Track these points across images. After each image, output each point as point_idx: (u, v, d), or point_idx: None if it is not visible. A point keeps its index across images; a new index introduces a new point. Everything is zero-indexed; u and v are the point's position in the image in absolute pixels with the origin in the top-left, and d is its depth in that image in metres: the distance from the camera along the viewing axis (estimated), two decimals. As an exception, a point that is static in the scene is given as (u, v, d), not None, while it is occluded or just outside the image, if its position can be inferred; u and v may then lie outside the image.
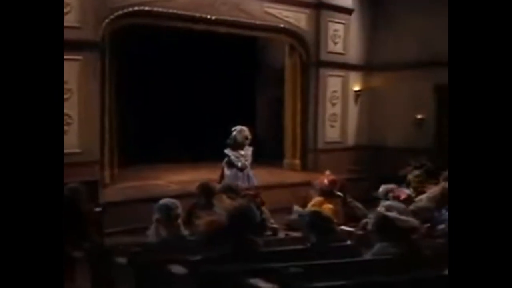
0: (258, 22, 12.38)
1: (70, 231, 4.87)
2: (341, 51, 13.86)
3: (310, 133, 13.66)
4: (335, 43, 13.74)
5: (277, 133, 14.46)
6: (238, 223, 4.25)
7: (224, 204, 6.20)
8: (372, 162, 13.77)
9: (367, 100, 14.55)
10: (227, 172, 10.20)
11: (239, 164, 10.23)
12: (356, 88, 14.34)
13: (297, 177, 12.77)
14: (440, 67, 10.21)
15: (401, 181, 8.90)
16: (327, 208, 7.03)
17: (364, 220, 6.13)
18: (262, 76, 15.97)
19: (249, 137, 10.44)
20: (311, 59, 13.50)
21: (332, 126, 13.89)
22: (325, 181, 8.13)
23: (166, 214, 5.32)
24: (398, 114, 14.06)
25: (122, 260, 4.41)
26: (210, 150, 12.80)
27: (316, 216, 4.78)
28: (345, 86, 14.03)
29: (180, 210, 5.45)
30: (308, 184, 9.84)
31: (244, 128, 10.43)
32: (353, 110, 14.40)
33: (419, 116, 13.70)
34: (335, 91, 13.85)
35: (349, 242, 4.97)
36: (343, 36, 13.81)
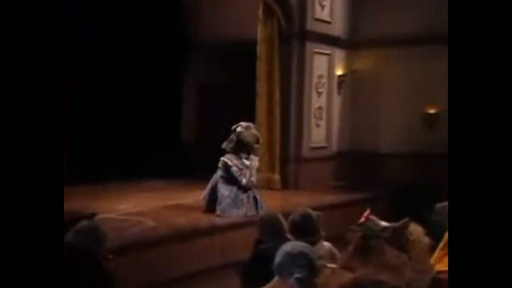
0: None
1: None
2: (328, 19, 9.88)
3: (292, 135, 9.56)
4: (322, 7, 9.78)
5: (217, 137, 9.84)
6: None
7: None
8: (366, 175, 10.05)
9: (353, 88, 10.66)
10: (224, 192, 7.40)
11: (243, 181, 7.38)
12: (339, 72, 10.38)
13: (299, 200, 8.61)
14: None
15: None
16: None
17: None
18: (191, 53, 11.30)
19: (260, 139, 7.87)
20: (294, 29, 9.38)
21: (318, 125, 9.91)
22: None
23: (310, 268, 3.25)
24: (397, 108, 10.49)
25: None
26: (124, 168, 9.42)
27: None
28: (331, 68, 10.11)
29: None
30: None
31: (251, 124, 7.78)
32: (336, 102, 10.44)
33: (430, 111, 10.15)
34: (321, 76, 9.86)
35: None
36: (330, -2, 9.89)
